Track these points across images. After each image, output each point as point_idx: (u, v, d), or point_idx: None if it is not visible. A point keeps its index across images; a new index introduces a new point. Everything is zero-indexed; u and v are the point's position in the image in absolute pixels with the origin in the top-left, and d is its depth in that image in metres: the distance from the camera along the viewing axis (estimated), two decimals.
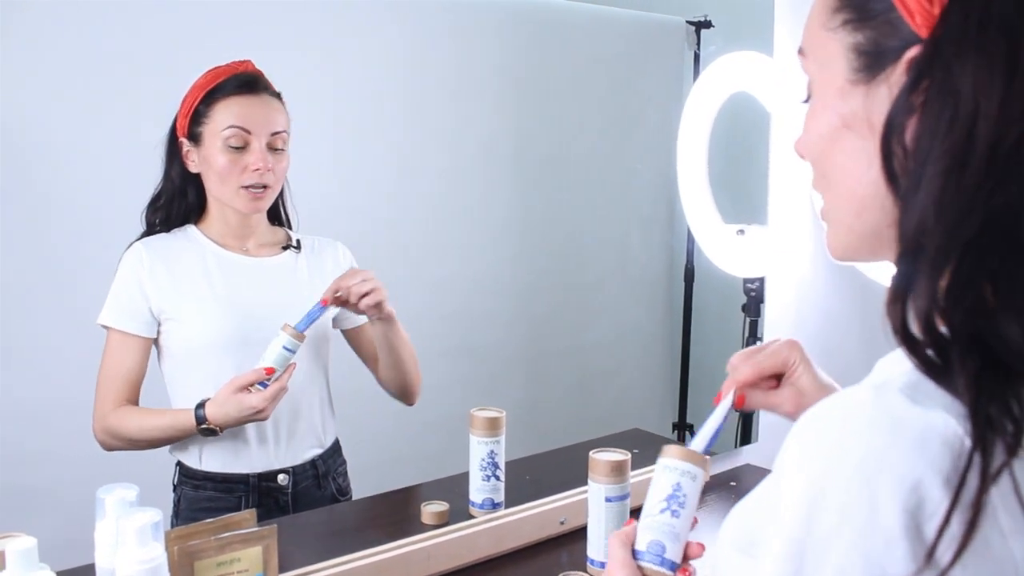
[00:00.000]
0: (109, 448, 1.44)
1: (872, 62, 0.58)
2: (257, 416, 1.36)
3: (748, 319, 1.95)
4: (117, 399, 1.43)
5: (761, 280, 1.91)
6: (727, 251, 1.96)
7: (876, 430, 0.50)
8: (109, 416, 1.43)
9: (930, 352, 0.52)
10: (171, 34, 2.00)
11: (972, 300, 0.52)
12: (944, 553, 0.48)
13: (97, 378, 1.46)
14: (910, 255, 0.54)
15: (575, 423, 2.77)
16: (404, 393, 1.63)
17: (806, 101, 0.65)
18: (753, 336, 1.94)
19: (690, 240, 3.05)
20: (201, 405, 1.38)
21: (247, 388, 1.36)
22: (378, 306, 1.46)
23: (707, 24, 2.98)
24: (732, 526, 0.65)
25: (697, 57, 3.01)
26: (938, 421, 0.50)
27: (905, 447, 0.49)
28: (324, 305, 1.41)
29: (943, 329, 0.52)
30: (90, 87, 1.96)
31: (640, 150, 3.03)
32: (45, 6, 1.91)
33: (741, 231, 1.92)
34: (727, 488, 1.59)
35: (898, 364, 0.55)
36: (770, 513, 0.55)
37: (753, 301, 1.92)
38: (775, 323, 1.86)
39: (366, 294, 1.43)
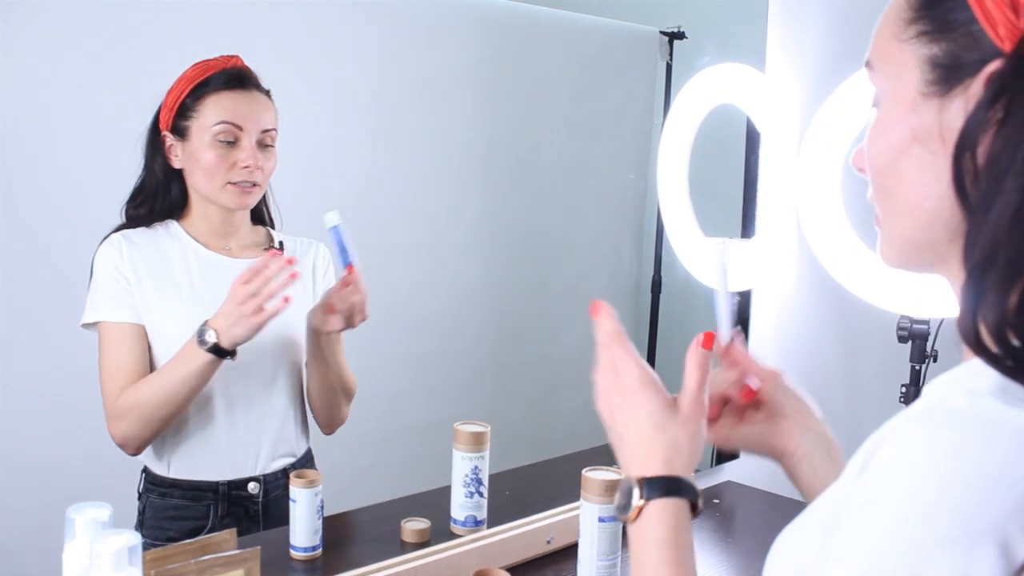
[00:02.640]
0: (136, 443, 1.35)
1: (948, 75, 0.57)
2: (242, 297, 1.26)
3: None
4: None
5: (742, 295, 1.89)
6: (707, 264, 1.94)
7: (973, 432, 0.50)
8: (119, 403, 1.33)
9: (1009, 362, 0.52)
10: (148, 33, 1.94)
11: None
12: None
13: (100, 381, 1.36)
14: (979, 270, 0.53)
15: (543, 431, 2.74)
16: (328, 419, 1.53)
17: (874, 106, 0.64)
18: None
19: (658, 251, 3.05)
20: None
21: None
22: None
23: (681, 35, 2.97)
24: (787, 553, 0.61)
25: (669, 68, 3.00)
26: None
27: (1002, 448, 0.49)
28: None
29: (1016, 342, 0.52)
30: (78, 83, 1.89)
31: (611, 159, 3.02)
32: (34, 6, 1.83)
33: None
34: (710, 506, 1.56)
35: (974, 376, 0.54)
36: (853, 510, 0.53)
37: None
38: (758, 338, 1.85)
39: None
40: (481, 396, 2.73)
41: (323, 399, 1.50)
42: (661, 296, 3.12)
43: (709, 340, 0.79)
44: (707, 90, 1.92)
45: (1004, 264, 0.52)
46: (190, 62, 1.43)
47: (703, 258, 1.97)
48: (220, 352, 1.29)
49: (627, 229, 3.12)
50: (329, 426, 1.54)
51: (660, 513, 0.71)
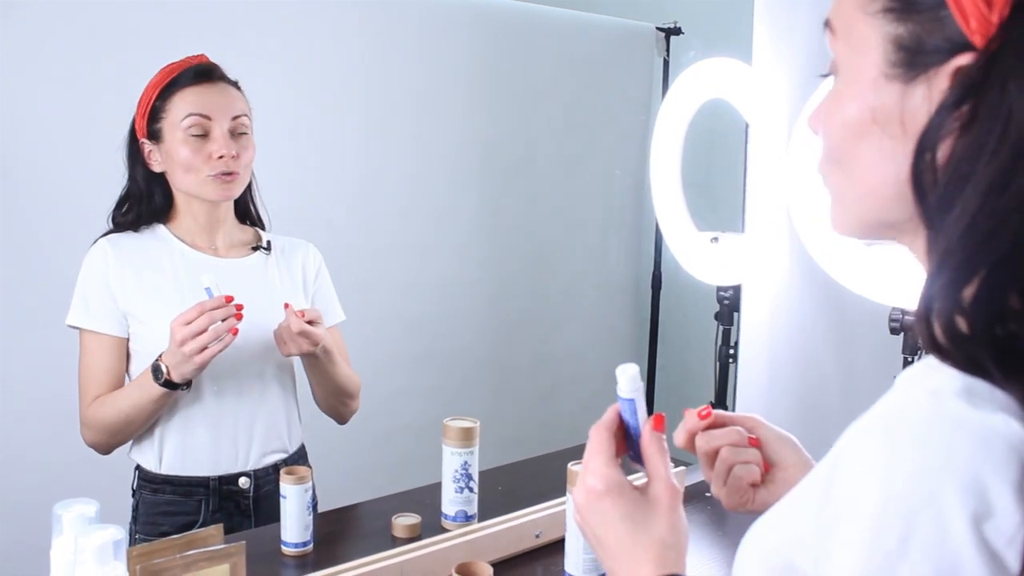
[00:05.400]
0: (104, 449, 1.40)
1: (913, 59, 0.54)
2: (183, 339, 1.27)
3: (721, 327, 1.93)
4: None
5: (735, 288, 1.89)
6: (701, 259, 1.94)
7: (936, 436, 0.48)
8: (88, 412, 1.38)
9: (962, 357, 0.50)
10: (145, 38, 1.96)
11: (997, 306, 0.50)
12: None
13: (78, 386, 1.41)
14: (932, 274, 0.52)
15: (541, 430, 2.75)
16: (333, 414, 1.58)
17: (826, 75, 0.61)
18: (726, 344, 1.93)
19: (657, 247, 3.05)
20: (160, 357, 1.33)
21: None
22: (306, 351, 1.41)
23: (677, 31, 2.98)
24: (758, 545, 0.60)
25: (667, 63, 3.01)
26: (999, 424, 0.47)
27: (968, 452, 0.47)
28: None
29: (964, 330, 0.50)
30: (75, 87, 1.92)
31: (609, 155, 3.02)
32: (40, 7, 1.85)
33: (715, 239, 1.91)
34: (702, 499, 1.56)
35: (940, 371, 0.52)
36: (812, 530, 0.52)
37: (726, 309, 1.90)
38: (750, 332, 1.84)
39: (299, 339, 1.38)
40: (479, 394, 2.74)
41: (327, 402, 1.55)
42: (661, 292, 3.13)
43: (659, 422, 0.75)
44: (698, 85, 1.92)
45: (956, 264, 0.51)
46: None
47: (698, 253, 1.97)
48: (174, 385, 1.32)
49: (626, 226, 3.13)
50: (340, 419, 1.59)
51: None
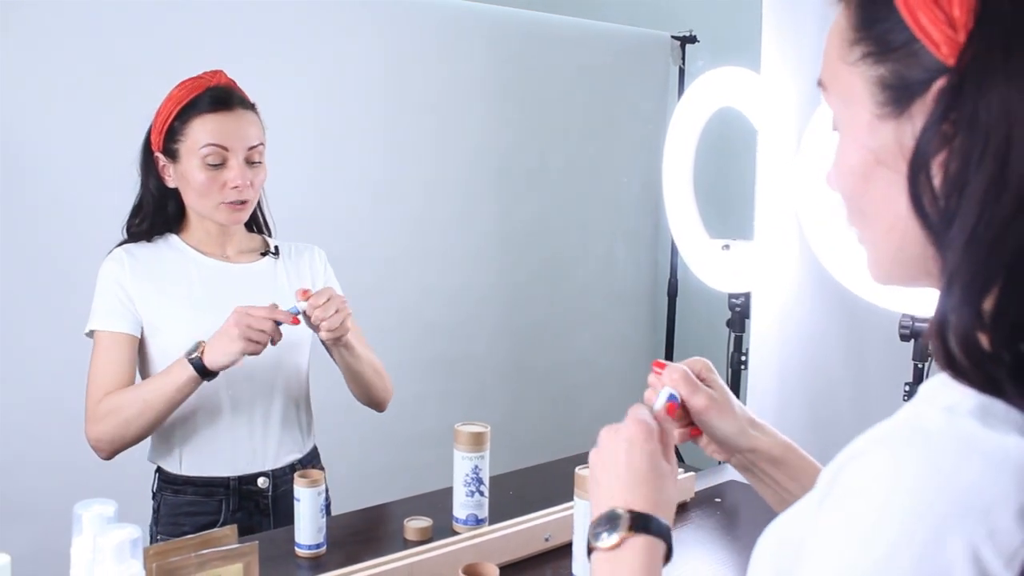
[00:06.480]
0: (107, 447, 1.39)
1: (899, 95, 0.56)
2: (243, 314, 1.32)
3: (733, 334, 1.94)
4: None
5: (746, 295, 1.90)
6: (712, 266, 1.96)
7: (944, 452, 0.48)
8: (100, 406, 1.38)
9: (979, 376, 0.51)
10: (160, 41, 1.99)
11: (1020, 319, 0.50)
12: None
13: (87, 385, 1.42)
14: (944, 289, 0.52)
15: (557, 436, 2.76)
16: (371, 403, 1.59)
17: (835, 129, 0.63)
18: (738, 351, 1.94)
19: (673, 255, 3.06)
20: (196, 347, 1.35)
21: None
22: (336, 338, 1.41)
23: (692, 39, 3.00)
24: (771, 540, 0.62)
25: (682, 71, 3.03)
26: (1011, 446, 0.48)
27: (975, 471, 0.47)
28: (295, 323, 1.37)
29: (985, 346, 0.51)
30: (84, 94, 1.96)
31: (625, 164, 3.04)
32: (41, 13, 1.90)
33: (726, 246, 1.92)
34: (711, 504, 1.58)
35: (956, 388, 0.52)
36: (815, 535, 0.53)
37: (738, 316, 1.92)
38: (760, 338, 1.86)
39: (328, 319, 1.38)
40: (493, 400, 2.76)
41: (362, 388, 1.55)
42: (678, 300, 3.14)
43: (673, 410, 0.86)
44: (709, 94, 1.94)
45: (964, 283, 0.51)
46: (197, 70, 1.48)
47: (710, 260, 1.98)
48: (202, 369, 1.34)
49: (640, 234, 3.14)
50: (381, 406, 1.60)
51: (644, 548, 0.70)
